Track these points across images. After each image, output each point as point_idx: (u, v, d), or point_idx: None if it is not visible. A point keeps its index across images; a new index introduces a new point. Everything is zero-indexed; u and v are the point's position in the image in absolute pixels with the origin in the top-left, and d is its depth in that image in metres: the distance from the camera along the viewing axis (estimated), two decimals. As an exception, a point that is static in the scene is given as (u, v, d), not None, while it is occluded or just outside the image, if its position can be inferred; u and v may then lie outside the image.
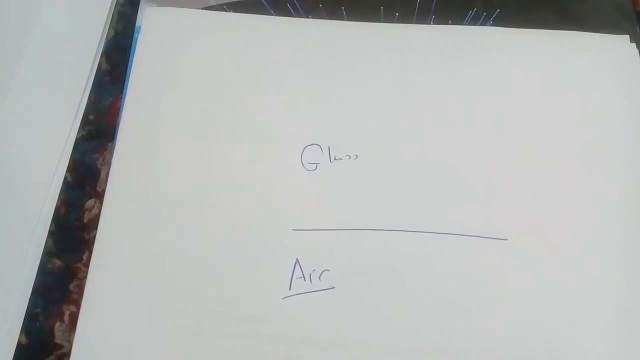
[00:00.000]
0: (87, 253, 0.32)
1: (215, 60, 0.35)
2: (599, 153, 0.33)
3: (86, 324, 0.29)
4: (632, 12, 0.37)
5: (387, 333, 0.29)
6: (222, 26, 0.36)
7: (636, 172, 0.32)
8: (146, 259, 0.31)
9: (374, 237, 0.31)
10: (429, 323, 0.29)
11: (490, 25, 0.36)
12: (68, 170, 0.34)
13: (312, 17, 0.37)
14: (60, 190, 0.33)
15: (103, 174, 0.34)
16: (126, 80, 0.35)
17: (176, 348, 0.29)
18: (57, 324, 0.30)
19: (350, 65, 0.35)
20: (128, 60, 0.36)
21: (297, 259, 0.30)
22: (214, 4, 0.37)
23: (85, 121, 0.35)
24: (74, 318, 0.30)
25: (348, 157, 0.33)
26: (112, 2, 0.38)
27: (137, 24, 0.37)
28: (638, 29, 0.36)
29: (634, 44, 0.35)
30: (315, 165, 0.33)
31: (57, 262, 0.32)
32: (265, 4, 0.37)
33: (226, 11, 0.37)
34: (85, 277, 0.30)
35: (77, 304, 0.30)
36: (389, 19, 0.37)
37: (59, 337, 0.30)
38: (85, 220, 0.33)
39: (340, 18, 0.37)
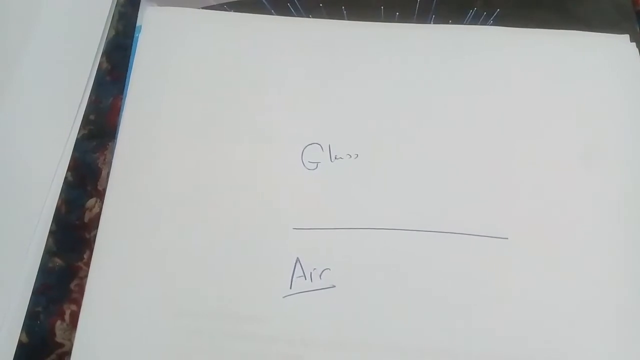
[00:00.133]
0: (87, 252, 0.32)
1: (216, 60, 0.35)
2: (599, 152, 0.33)
3: (87, 323, 0.29)
4: (632, 12, 0.37)
5: (387, 332, 0.29)
6: (223, 26, 0.36)
7: (636, 171, 0.32)
8: (146, 258, 0.31)
9: (375, 236, 0.31)
10: (429, 322, 0.29)
11: (491, 25, 0.37)
12: (69, 169, 0.34)
13: (313, 17, 0.37)
14: (61, 190, 0.33)
15: (104, 173, 0.34)
16: (127, 79, 0.35)
17: (176, 347, 0.29)
18: (58, 323, 0.30)
19: (350, 65, 0.35)
20: (128, 60, 0.36)
21: (297, 258, 0.30)
22: (214, 3, 0.37)
23: (85, 121, 0.35)
24: (74, 317, 0.30)
25: (349, 156, 0.33)
26: (112, 1, 0.38)
27: (137, 24, 0.37)
28: (638, 29, 0.36)
29: (634, 44, 0.35)
30: (315, 164, 0.33)
31: (58, 261, 0.32)
32: (265, 3, 0.37)
33: (227, 11, 0.37)
34: (86, 276, 0.30)
35: (78, 303, 0.30)
36: (389, 18, 0.37)
37: (59, 336, 0.30)
38: (86, 220, 0.33)
39: (341, 18, 0.37)
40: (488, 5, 0.37)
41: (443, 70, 0.35)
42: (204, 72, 0.35)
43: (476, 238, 0.31)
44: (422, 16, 0.37)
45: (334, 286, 0.30)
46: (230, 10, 0.37)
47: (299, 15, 0.37)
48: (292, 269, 0.30)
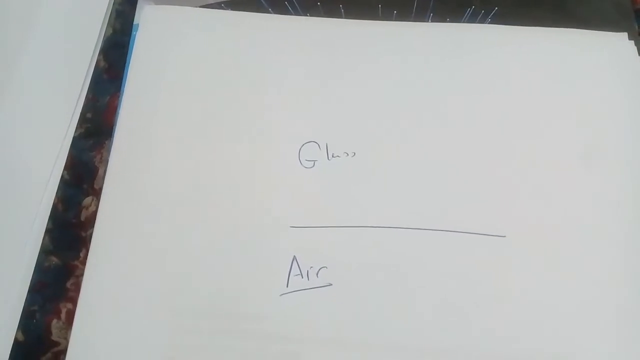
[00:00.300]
0: (84, 251, 0.32)
1: (213, 58, 0.35)
2: (598, 151, 0.33)
3: (83, 321, 0.29)
4: (630, 10, 0.37)
5: (385, 330, 0.29)
6: (221, 24, 0.36)
7: (636, 171, 0.32)
8: (143, 256, 0.30)
9: (372, 234, 0.31)
10: (427, 320, 0.29)
11: (489, 23, 0.36)
12: (65, 168, 0.34)
13: (310, 15, 0.37)
14: (58, 188, 0.33)
15: (100, 171, 0.34)
16: (124, 78, 0.35)
17: (173, 345, 0.29)
18: (54, 322, 0.30)
19: (348, 63, 0.35)
20: (126, 58, 0.36)
21: (294, 256, 0.30)
22: (212, 2, 0.37)
23: (82, 119, 0.35)
24: (70, 315, 0.30)
25: (346, 154, 0.33)
26: (110, 0, 0.38)
27: (135, 22, 0.37)
28: (637, 27, 0.36)
29: (632, 42, 0.35)
30: (313, 162, 0.33)
31: (54, 260, 0.32)
32: (263, 2, 0.37)
33: (224, 9, 0.37)
34: (82, 274, 0.30)
35: (74, 301, 0.30)
36: (387, 17, 0.37)
37: (55, 334, 0.30)
38: (83, 218, 0.33)
39: (338, 16, 0.37)
40: (486, 3, 0.37)
41: (442, 69, 0.35)
42: (202, 71, 0.35)
43: (475, 237, 0.31)
44: (420, 14, 0.37)
45: (331, 284, 0.30)
46: (228, 9, 0.37)
47: (297, 13, 0.37)
48: (289, 267, 0.30)
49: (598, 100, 0.34)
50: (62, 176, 0.34)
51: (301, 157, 0.33)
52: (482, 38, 0.36)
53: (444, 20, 0.36)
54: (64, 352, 0.29)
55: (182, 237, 0.31)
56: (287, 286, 0.30)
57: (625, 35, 0.35)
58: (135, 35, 0.36)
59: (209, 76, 0.35)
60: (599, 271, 0.30)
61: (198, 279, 0.30)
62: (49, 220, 0.32)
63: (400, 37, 0.36)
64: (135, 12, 0.37)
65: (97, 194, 0.33)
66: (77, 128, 0.35)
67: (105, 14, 0.38)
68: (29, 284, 0.31)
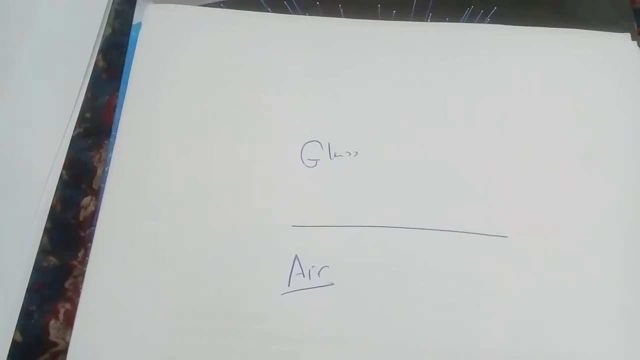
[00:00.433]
0: (82, 250, 0.31)
1: (215, 58, 0.35)
2: (599, 151, 0.33)
3: (83, 322, 0.29)
4: (630, 10, 0.37)
5: (386, 329, 0.29)
6: (222, 23, 0.36)
7: (636, 171, 0.32)
8: (144, 255, 0.30)
9: (374, 233, 0.31)
10: (427, 320, 0.29)
11: (488, 23, 0.36)
12: (64, 167, 0.34)
13: (309, 15, 0.37)
14: (56, 188, 0.33)
15: (99, 171, 0.33)
16: (122, 77, 0.35)
17: (173, 345, 0.29)
18: (52, 322, 0.30)
19: (349, 62, 0.35)
20: (125, 57, 0.36)
21: (296, 255, 0.30)
22: (211, 1, 0.37)
23: (81, 119, 0.35)
24: (68, 316, 0.30)
25: (348, 153, 0.33)
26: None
27: (134, 22, 0.37)
28: (636, 26, 0.36)
29: (635, 43, 0.35)
30: (315, 161, 0.33)
31: (53, 260, 0.32)
32: (262, 1, 0.37)
33: (223, 8, 0.37)
34: (81, 274, 0.30)
35: (72, 301, 0.30)
36: (386, 16, 0.37)
37: (53, 334, 0.30)
38: (81, 218, 0.33)
39: (337, 15, 0.37)
40: (485, 3, 0.37)
41: (442, 69, 0.35)
42: (203, 70, 0.35)
43: (476, 236, 0.31)
44: (419, 14, 0.37)
45: (333, 284, 0.30)
46: (227, 8, 0.37)
47: (296, 13, 0.37)
48: (291, 267, 0.30)
49: (598, 101, 0.34)
50: (60, 176, 0.33)
51: (303, 156, 0.33)
52: (482, 38, 0.36)
53: (443, 20, 0.36)
54: (62, 352, 0.29)
55: (183, 237, 0.31)
56: (288, 285, 0.30)
57: (628, 35, 0.35)
58: (134, 35, 0.36)
59: (210, 75, 0.35)
60: (599, 271, 0.30)
61: (199, 278, 0.30)
62: (47, 220, 0.32)
63: (400, 37, 0.36)
64: (134, 11, 0.37)
65: (95, 193, 0.33)
66: (75, 128, 0.35)
67: (104, 13, 0.38)
68: (27, 284, 0.31)
